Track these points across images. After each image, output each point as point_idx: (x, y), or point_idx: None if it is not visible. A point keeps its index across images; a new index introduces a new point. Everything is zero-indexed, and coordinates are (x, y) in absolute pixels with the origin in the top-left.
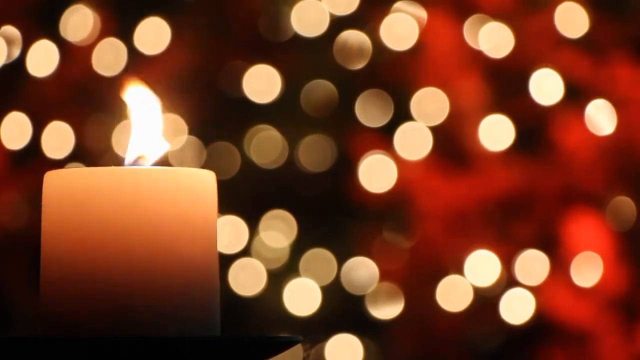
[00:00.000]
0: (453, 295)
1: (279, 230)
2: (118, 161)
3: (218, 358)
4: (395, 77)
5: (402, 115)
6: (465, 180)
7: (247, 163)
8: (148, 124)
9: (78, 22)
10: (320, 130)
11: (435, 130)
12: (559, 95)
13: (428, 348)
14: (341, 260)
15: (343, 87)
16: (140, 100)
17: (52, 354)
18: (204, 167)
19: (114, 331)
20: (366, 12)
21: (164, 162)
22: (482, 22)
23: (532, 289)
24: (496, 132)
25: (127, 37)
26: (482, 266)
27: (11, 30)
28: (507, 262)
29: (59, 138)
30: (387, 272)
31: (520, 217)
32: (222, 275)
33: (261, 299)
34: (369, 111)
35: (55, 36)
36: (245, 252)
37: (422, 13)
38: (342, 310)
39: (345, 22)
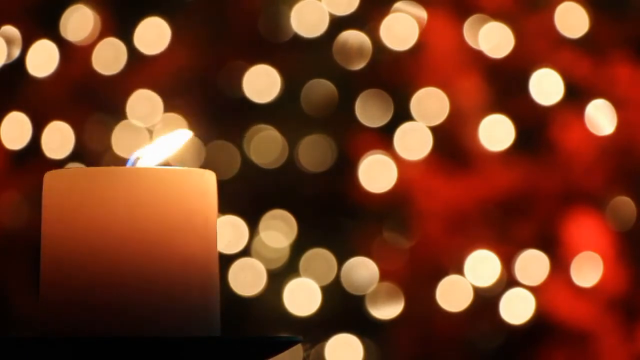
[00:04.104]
0: (453, 295)
1: (279, 230)
2: (118, 161)
3: (218, 358)
4: (395, 77)
5: (402, 115)
6: (465, 180)
7: (247, 163)
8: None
9: (78, 22)
10: (320, 130)
11: (435, 130)
12: (559, 95)
13: (428, 348)
14: (341, 260)
15: (343, 87)
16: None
17: (52, 354)
18: (204, 167)
19: (114, 331)
20: (366, 12)
21: (164, 162)
22: (482, 22)
23: (532, 289)
24: (496, 132)
25: (127, 37)
26: (482, 266)
27: (11, 30)
28: (507, 262)
29: (59, 138)
30: (387, 272)
31: (520, 217)
32: (222, 275)
33: (261, 299)
34: (369, 111)
35: (55, 36)
36: (245, 252)
37: (422, 13)
38: (342, 310)
39: (345, 22)
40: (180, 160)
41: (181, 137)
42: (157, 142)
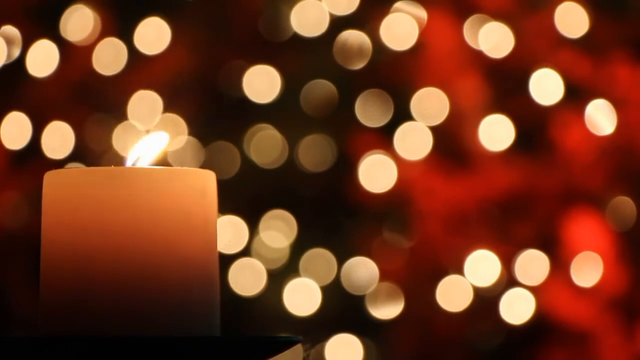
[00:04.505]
0: (453, 295)
1: (279, 230)
2: (118, 161)
3: (218, 358)
4: (395, 77)
5: (402, 115)
6: (465, 180)
7: (247, 163)
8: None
9: (78, 22)
10: (320, 130)
11: (435, 130)
12: (559, 95)
13: (428, 348)
14: (341, 260)
15: (343, 87)
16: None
17: (52, 354)
18: (203, 167)
19: (114, 331)
20: (366, 12)
21: (164, 162)
22: (482, 22)
23: (532, 289)
24: (496, 132)
25: (127, 37)
26: (482, 266)
27: (11, 30)
28: (507, 262)
29: (59, 138)
30: (387, 272)
31: (520, 217)
32: (222, 275)
33: (261, 299)
34: (369, 111)
35: (55, 36)
36: (245, 252)
37: (422, 13)
38: (342, 310)
39: (345, 22)
40: (180, 160)
41: (160, 140)
42: (143, 141)
